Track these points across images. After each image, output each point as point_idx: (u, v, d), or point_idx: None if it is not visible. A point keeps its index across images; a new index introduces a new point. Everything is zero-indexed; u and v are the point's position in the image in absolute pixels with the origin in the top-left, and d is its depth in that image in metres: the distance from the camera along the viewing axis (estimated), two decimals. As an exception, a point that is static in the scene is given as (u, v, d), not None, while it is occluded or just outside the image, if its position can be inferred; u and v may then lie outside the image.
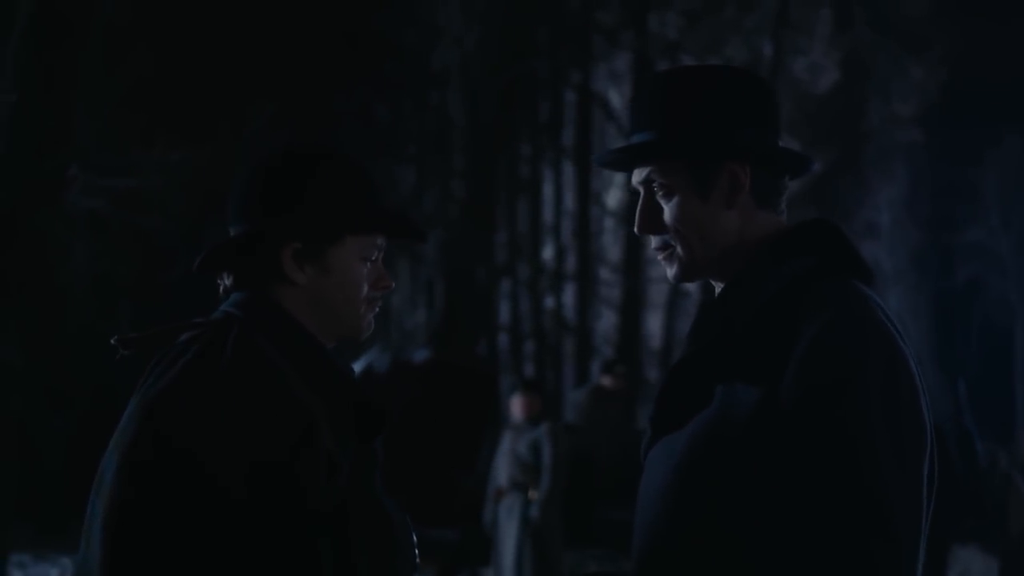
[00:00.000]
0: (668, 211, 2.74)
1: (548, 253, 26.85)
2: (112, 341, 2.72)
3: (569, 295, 26.68)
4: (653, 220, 2.77)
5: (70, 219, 13.12)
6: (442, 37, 25.60)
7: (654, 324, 27.49)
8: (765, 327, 2.61)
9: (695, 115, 2.73)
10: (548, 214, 26.80)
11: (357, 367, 18.50)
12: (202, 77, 15.91)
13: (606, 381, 15.63)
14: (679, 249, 2.76)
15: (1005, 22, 26.24)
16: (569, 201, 26.62)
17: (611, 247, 27.90)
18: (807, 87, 27.46)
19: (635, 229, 2.83)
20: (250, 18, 18.08)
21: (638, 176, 2.79)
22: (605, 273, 27.39)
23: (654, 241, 2.79)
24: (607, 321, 27.32)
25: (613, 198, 27.82)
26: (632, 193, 2.88)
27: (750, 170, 2.76)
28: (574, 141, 26.62)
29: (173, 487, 2.44)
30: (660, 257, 2.81)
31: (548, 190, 26.85)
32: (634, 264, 25.27)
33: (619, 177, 27.15)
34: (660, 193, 2.76)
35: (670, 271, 2.81)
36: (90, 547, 2.54)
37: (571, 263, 26.63)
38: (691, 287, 26.98)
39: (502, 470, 12.43)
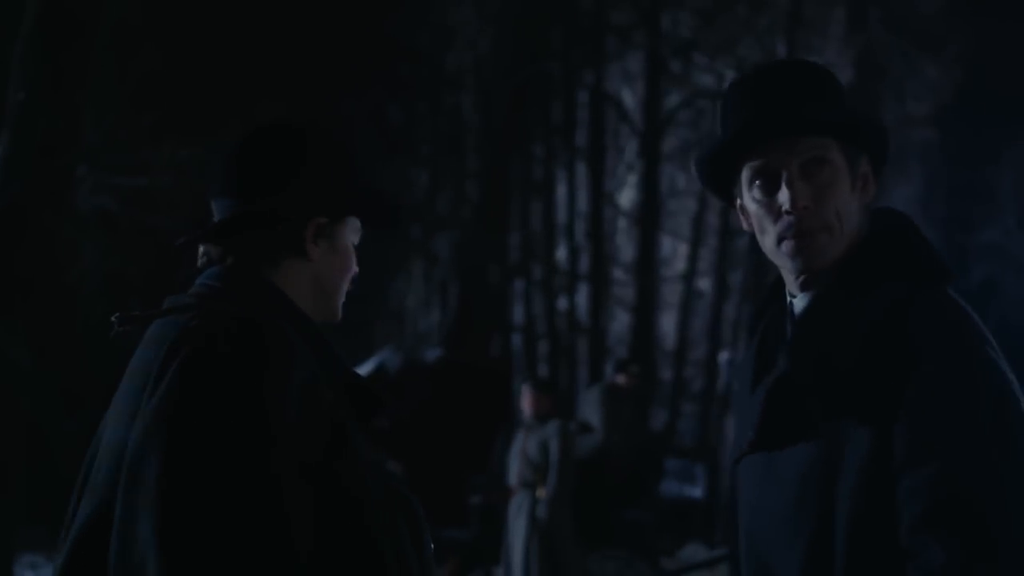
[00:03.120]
0: (831, 193, 2.68)
1: (562, 254, 26.84)
2: (112, 318, 2.72)
3: (583, 296, 26.66)
4: (823, 199, 2.69)
5: (79, 218, 13.10)
6: (456, 39, 25.62)
7: (668, 324, 27.44)
8: (871, 358, 2.58)
9: (842, 97, 2.74)
10: (561, 215, 26.79)
11: (369, 366, 18.49)
12: (212, 76, 15.92)
13: (620, 379, 15.57)
14: (828, 236, 2.70)
15: (1020, 20, 26.15)
16: (582, 202, 26.60)
17: (624, 247, 27.86)
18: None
19: (798, 205, 2.67)
20: (262, 18, 18.09)
21: (803, 153, 2.68)
22: (618, 273, 27.36)
23: (798, 225, 2.67)
24: (621, 321, 27.29)
25: (626, 198, 27.80)
26: (758, 175, 2.73)
27: (869, 162, 2.75)
28: (587, 142, 26.59)
29: (223, 463, 2.35)
30: (796, 243, 2.70)
31: (561, 191, 26.85)
32: (648, 264, 25.24)
33: (632, 177, 27.14)
34: (825, 173, 2.69)
35: (800, 259, 2.72)
36: (135, 543, 2.34)
37: (584, 263, 26.61)
38: (704, 287, 26.98)
39: (513, 469, 12.42)
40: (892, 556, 2.49)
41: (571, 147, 26.91)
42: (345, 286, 2.79)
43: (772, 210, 2.70)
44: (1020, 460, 2.48)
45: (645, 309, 25.10)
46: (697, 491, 20.79)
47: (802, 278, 2.75)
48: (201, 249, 2.77)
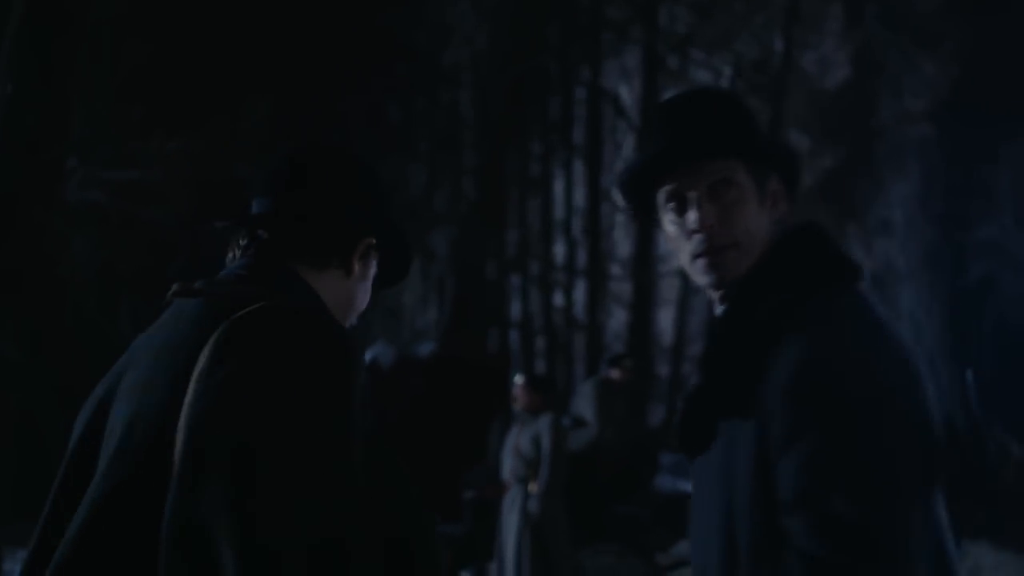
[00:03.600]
0: (739, 212, 2.83)
1: (559, 250, 26.80)
2: (173, 288, 2.74)
3: (580, 292, 26.62)
4: (730, 217, 2.85)
5: (69, 212, 13.09)
6: (453, 36, 25.59)
7: (665, 320, 27.40)
8: (753, 361, 2.69)
9: (749, 122, 2.88)
10: (559, 211, 26.76)
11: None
12: (202, 69, 15.89)
13: (614, 374, 15.55)
14: (736, 252, 2.85)
15: (1017, 17, 26.11)
16: (579, 198, 26.56)
17: (622, 243, 27.82)
18: (818, 82, 27.36)
19: (705, 225, 2.83)
20: (257, 13, 18.06)
21: (709, 176, 2.83)
22: (616, 270, 27.32)
23: (707, 243, 2.83)
24: (618, 318, 27.25)
25: (623, 194, 27.72)
26: (674, 197, 2.89)
27: (779, 181, 2.91)
28: (584, 138, 26.55)
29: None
30: (706, 260, 2.86)
31: (559, 187, 26.80)
32: (645, 260, 25.22)
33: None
34: (732, 193, 2.85)
35: (714, 275, 2.88)
36: (200, 507, 2.26)
37: (581, 259, 26.57)
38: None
39: (506, 464, 12.41)
40: (779, 544, 2.58)
41: (568, 143, 26.88)
42: (361, 309, 2.88)
43: (685, 230, 2.87)
44: (885, 444, 2.55)
45: (642, 305, 25.08)
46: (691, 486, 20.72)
47: (719, 293, 2.91)
48: (243, 239, 2.80)
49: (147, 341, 2.67)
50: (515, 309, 26.86)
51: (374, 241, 2.79)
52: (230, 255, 2.82)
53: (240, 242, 2.80)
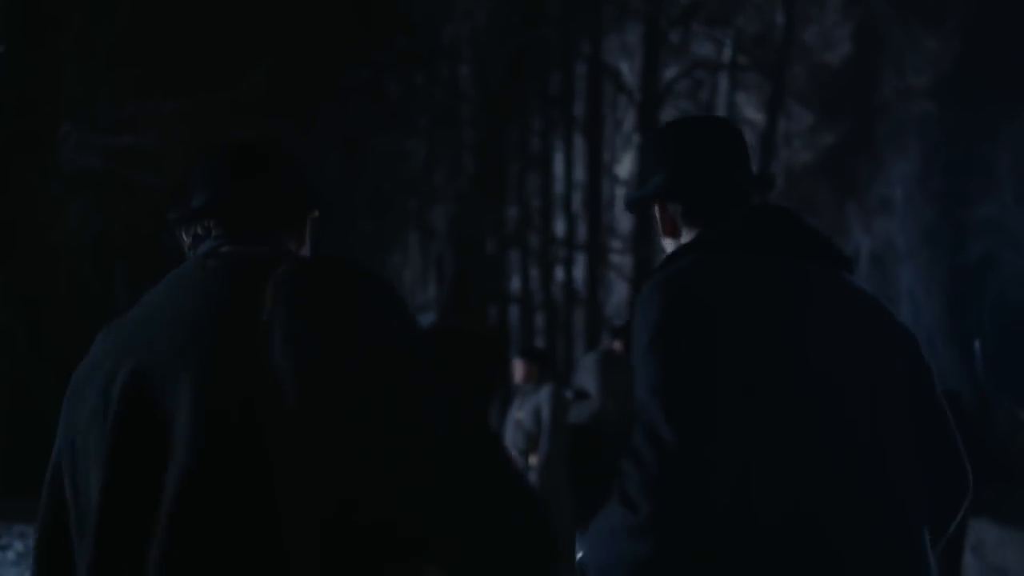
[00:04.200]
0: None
1: (559, 225, 26.71)
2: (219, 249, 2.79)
3: (580, 268, 26.54)
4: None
5: (64, 177, 12.91)
6: (452, 9, 25.50)
7: (665, 296, 27.26)
8: None
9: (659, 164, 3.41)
10: (559, 186, 26.67)
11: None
12: (198, 30, 15.67)
13: (616, 346, 15.40)
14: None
15: (1020, -8, 26.03)
16: (580, 173, 26.47)
17: (622, 218, 27.71)
18: (819, 58, 27.25)
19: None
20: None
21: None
22: (616, 244, 27.22)
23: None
24: (619, 292, 27.16)
25: (624, 169, 27.64)
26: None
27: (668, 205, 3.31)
28: (585, 113, 26.45)
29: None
30: None
31: (559, 162, 26.72)
32: (645, 235, 25.12)
33: (630, 149, 26.97)
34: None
35: None
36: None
37: (582, 234, 26.48)
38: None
39: (507, 436, 12.29)
40: None
41: (568, 119, 26.78)
42: None
43: None
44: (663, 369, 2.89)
45: (643, 280, 24.95)
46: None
47: None
48: (202, 227, 2.90)
49: (163, 311, 2.68)
50: (515, 285, 26.77)
51: (317, 214, 2.96)
52: (187, 242, 2.91)
53: (197, 230, 2.89)
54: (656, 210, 3.32)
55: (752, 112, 27.48)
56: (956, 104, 28.14)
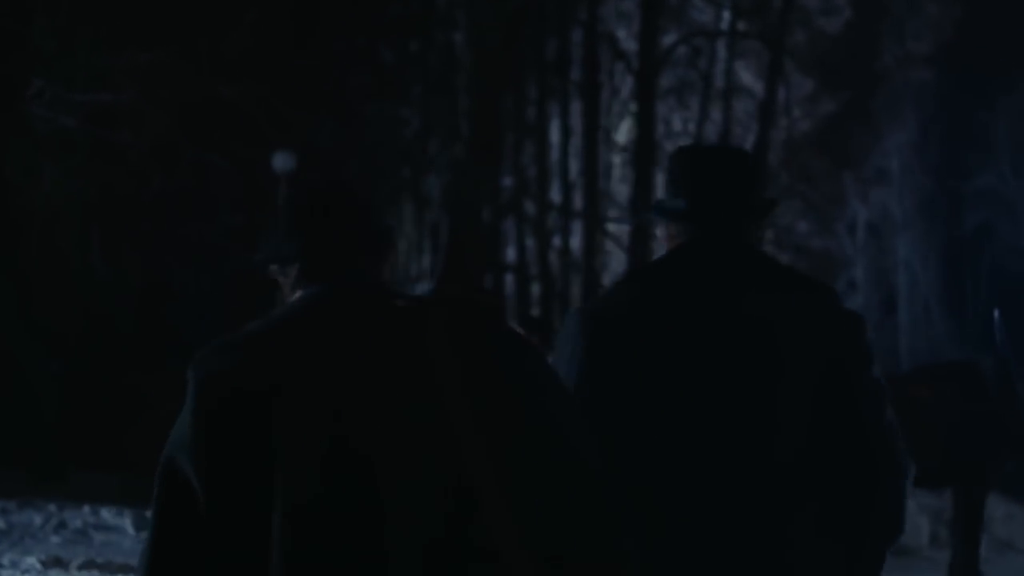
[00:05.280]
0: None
1: (555, 194, 26.53)
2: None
3: (577, 237, 26.36)
4: None
5: (37, 136, 12.53)
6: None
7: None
8: None
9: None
10: (555, 154, 26.47)
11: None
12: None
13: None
14: None
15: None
16: (576, 140, 26.27)
17: (619, 187, 27.53)
18: (819, 24, 27.03)
19: None
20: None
21: None
22: (613, 212, 27.02)
23: None
24: (616, 261, 26.97)
25: (621, 137, 27.44)
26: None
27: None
28: (581, 80, 26.24)
29: None
30: None
31: (555, 130, 26.54)
32: (643, 202, 24.91)
33: (627, 117, 26.76)
34: None
35: None
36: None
37: (578, 202, 26.27)
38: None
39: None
40: None
41: (565, 86, 26.56)
42: None
43: None
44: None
45: (640, 247, 24.78)
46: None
47: None
48: (296, 277, 2.84)
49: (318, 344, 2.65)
50: (510, 254, 26.61)
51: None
52: (289, 280, 2.82)
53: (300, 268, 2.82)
54: (661, 228, 3.47)
55: (751, 80, 27.28)
56: (956, 72, 28.00)
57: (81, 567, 9.60)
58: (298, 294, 2.75)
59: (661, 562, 2.99)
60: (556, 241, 26.56)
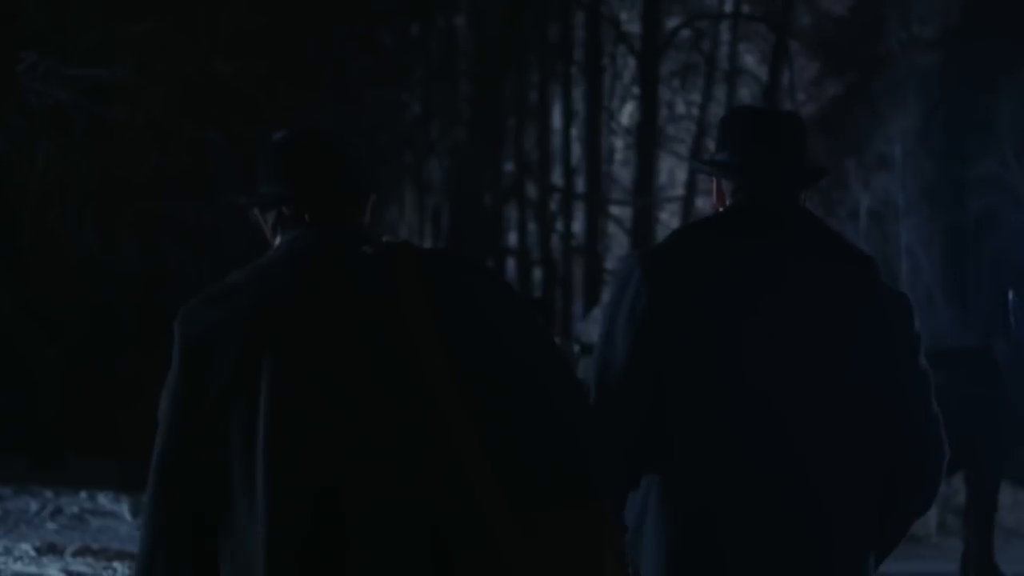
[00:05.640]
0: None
1: (557, 177, 26.50)
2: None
3: (579, 221, 26.32)
4: None
5: (30, 112, 12.32)
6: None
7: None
8: None
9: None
10: (557, 138, 26.44)
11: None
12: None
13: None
14: None
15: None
16: (579, 123, 26.22)
17: (621, 170, 27.43)
18: (826, 7, 26.95)
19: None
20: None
21: None
22: (616, 195, 26.95)
23: None
24: (618, 244, 26.89)
25: (625, 118, 27.36)
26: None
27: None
28: (584, 63, 26.18)
29: None
30: None
31: (557, 114, 26.53)
32: (646, 186, 24.85)
33: (630, 100, 26.70)
34: None
35: None
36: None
37: (580, 186, 26.22)
38: (703, 207, 26.53)
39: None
40: None
41: (567, 70, 26.51)
42: None
43: None
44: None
45: (643, 231, 24.72)
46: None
47: None
48: (282, 208, 2.95)
49: (287, 287, 2.76)
50: (512, 239, 26.56)
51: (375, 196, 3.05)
52: (269, 224, 2.93)
53: (281, 212, 2.92)
54: (713, 182, 3.51)
55: (754, 64, 27.22)
56: (961, 56, 27.91)
57: (76, 554, 9.47)
58: (278, 240, 2.86)
59: (708, 498, 3.11)
60: (558, 226, 26.49)
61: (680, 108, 26.94)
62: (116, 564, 8.94)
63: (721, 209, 3.45)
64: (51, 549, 9.71)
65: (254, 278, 2.78)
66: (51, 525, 11.81)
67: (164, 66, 11.98)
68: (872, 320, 3.20)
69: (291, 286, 2.74)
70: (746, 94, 26.95)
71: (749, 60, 27.26)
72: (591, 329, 15.27)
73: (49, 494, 13.33)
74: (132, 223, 14.57)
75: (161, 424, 2.69)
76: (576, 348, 13.90)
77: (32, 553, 9.51)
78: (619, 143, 27.31)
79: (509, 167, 26.33)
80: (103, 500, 13.10)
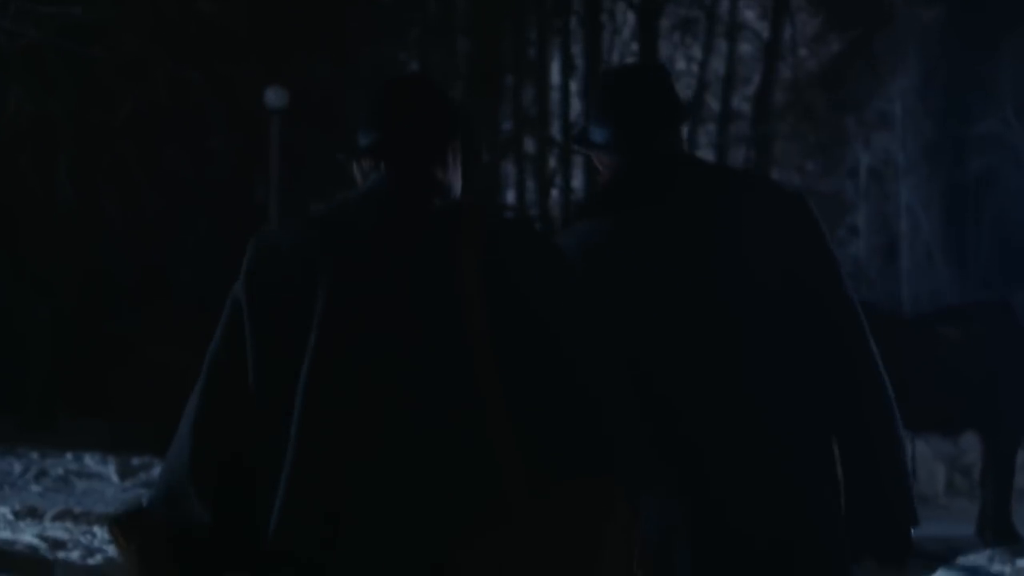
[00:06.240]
0: None
1: (556, 131, 26.40)
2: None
3: (578, 179, 26.21)
4: None
5: (1, 53, 12.01)
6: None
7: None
8: None
9: None
10: (556, 94, 26.35)
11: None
12: None
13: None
14: None
15: None
16: (578, 78, 26.12)
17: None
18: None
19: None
20: None
21: None
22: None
23: None
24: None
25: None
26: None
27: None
28: (583, 18, 26.02)
29: None
30: None
31: (555, 71, 26.46)
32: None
33: (631, 54, 26.55)
34: None
35: None
36: None
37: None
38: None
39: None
40: None
41: (566, 26, 26.35)
42: None
43: None
44: None
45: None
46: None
47: None
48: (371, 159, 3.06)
49: (358, 264, 2.84)
50: (510, 197, 26.52)
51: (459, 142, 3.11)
52: (361, 174, 3.05)
53: (369, 167, 3.03)
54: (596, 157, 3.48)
55: (755, 19, 27.09)
56: (962, 14, 27.77)
57: (56, 517, 9.22)
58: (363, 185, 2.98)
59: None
60: (557, 180, 26.37)
61: (680, 64, 26.81)
62: (97, 528, 8.67)
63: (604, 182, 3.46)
64: (31, 512, 9.47)
65: (325, 215, 2.90)
66: (35, 487, 11.63)
67: (143, 3, 11.72)
68: (777, 245, 3.21)
69: (356, 228, 2.85)
70: (747, 49, 26.88)
71: (750, 15, 27.17)
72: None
73: (35, 455, 13.13)
74: (110, 170, 14.27)
75: (220, 322, 2.85)
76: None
77: (10, 517, 9.27)
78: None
79: (507, 125, 26.22)
80: (90, 461, 12.87)
